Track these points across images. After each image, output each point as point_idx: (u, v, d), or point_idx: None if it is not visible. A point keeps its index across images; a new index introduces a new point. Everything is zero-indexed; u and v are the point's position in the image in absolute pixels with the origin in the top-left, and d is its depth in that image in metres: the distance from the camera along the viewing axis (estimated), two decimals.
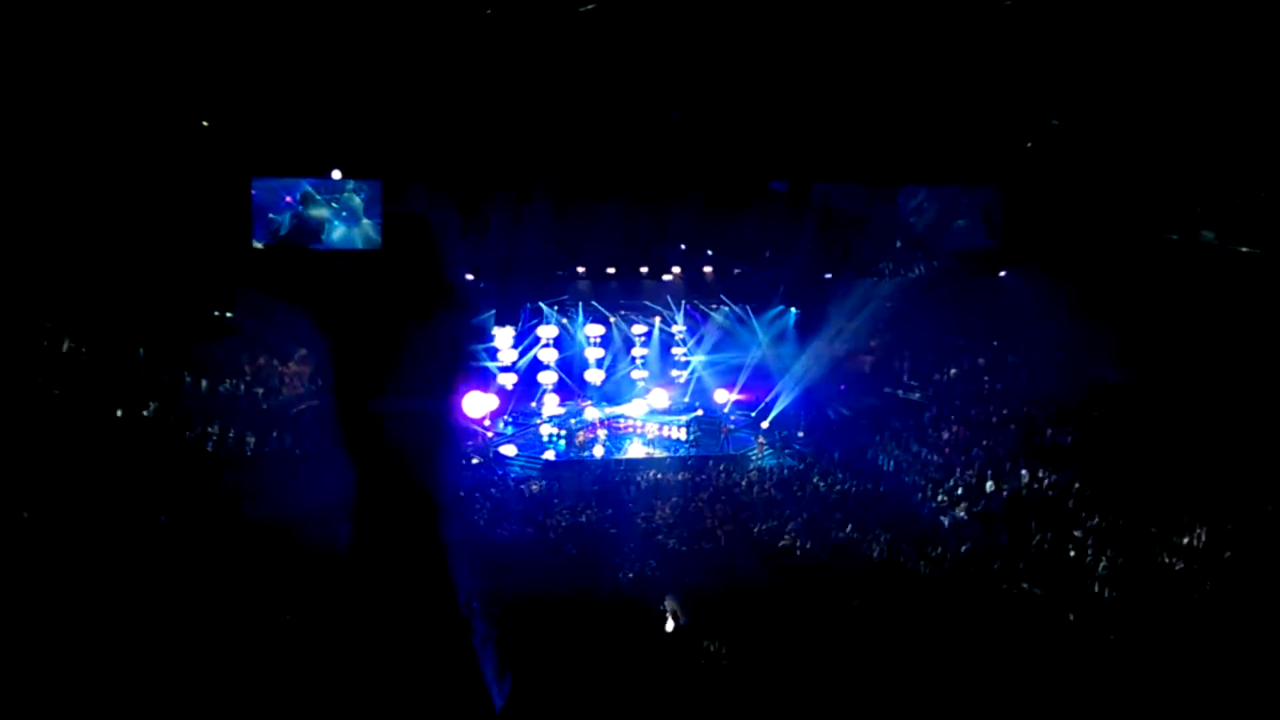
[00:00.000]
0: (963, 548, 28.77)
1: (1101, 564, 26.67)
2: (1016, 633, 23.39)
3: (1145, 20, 29.33)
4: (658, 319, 43.65)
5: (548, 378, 42.54)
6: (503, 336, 41.33)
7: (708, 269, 42.17)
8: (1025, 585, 26.62)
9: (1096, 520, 28.46)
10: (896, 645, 23.04)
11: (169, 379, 30.81)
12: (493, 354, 41.39)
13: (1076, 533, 28.35)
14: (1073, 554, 27.88)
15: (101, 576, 17.03)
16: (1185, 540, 26.42)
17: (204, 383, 31.85)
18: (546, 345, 42.54)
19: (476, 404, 38.49)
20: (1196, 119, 33.67)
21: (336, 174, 36.09)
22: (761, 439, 39.82)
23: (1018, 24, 31.21)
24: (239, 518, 23.79)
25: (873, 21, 31.15)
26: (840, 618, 24.72)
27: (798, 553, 28.40)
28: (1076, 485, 30.59)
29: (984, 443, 34.70)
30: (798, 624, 24.08)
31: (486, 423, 39.61)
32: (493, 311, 40.13)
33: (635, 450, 39.49)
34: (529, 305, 41.72)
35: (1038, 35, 31.77)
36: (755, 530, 30.11)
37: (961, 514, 31.84)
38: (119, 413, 26.60)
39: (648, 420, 41.68)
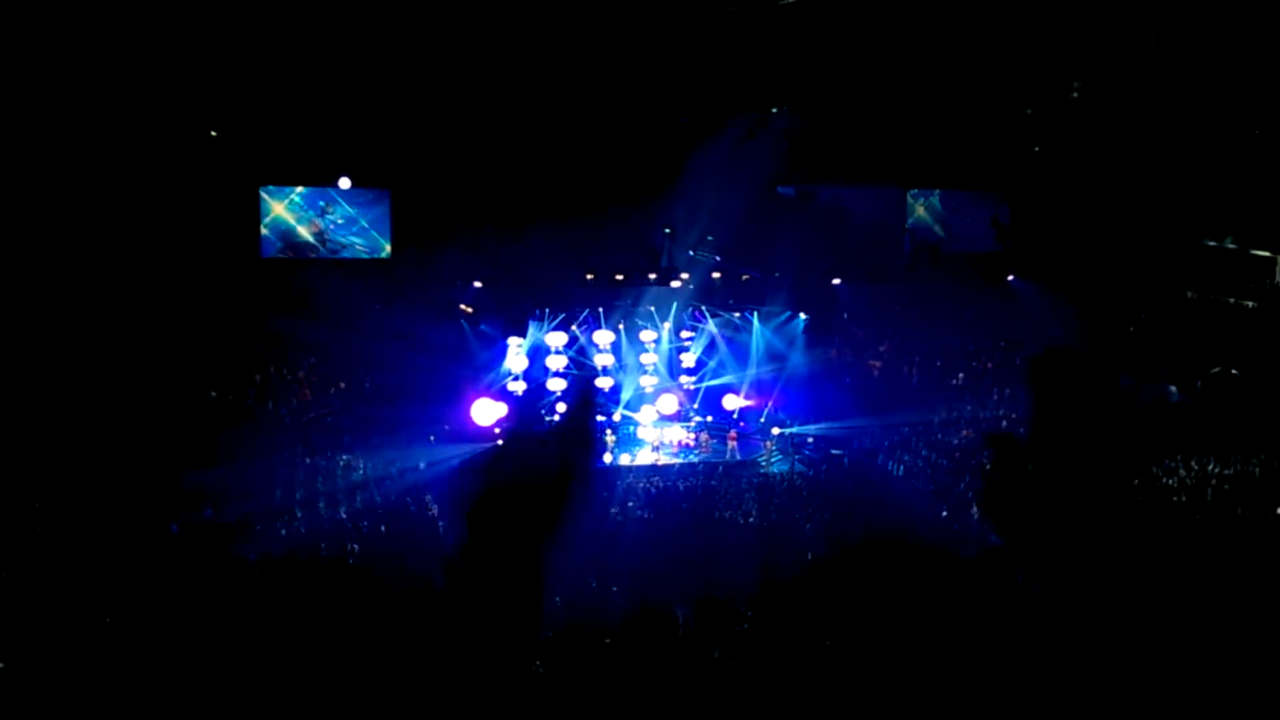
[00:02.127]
0: (973, 551, 28.67)
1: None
2: (1028, 636, 23.30)
3: (1152, 22, 29.36)
4: (666, 325, 43.64)
5: (557, 385, 42.50)
6: (512, 344, 41.40)
7: (716, 275, 42.18)
8: (1035, 588, 26.51)
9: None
10: (906, 651, 22.97)
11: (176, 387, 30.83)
12: (503, 360, 41.46)
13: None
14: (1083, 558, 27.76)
15: (106, 586, 17.04)
16: (1196, 547, 26.28)
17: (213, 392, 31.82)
18: (556, 352, 42.54)
19: (485, 411, 38.48)
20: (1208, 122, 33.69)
21: (345, 182, 36.17)
22: (770, 444, 39.76)
23: (1026, 25, 31.24)
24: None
25: (882, 24, 31.20)
26: (849, 624, 24.64)
27: (808, 558, 28.34)
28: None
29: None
30: (806, 631, 24.02)
31: (496, 430, 39.59)
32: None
33: (643, 456, 39.45)
34: (537, 313, 41.76)
35: (1046, 36, 31.79)
36: (764, 537, 30.05)
37: (973, 517, 31.78)
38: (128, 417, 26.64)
39: (656, 426, 41.65)
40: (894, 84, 35.25)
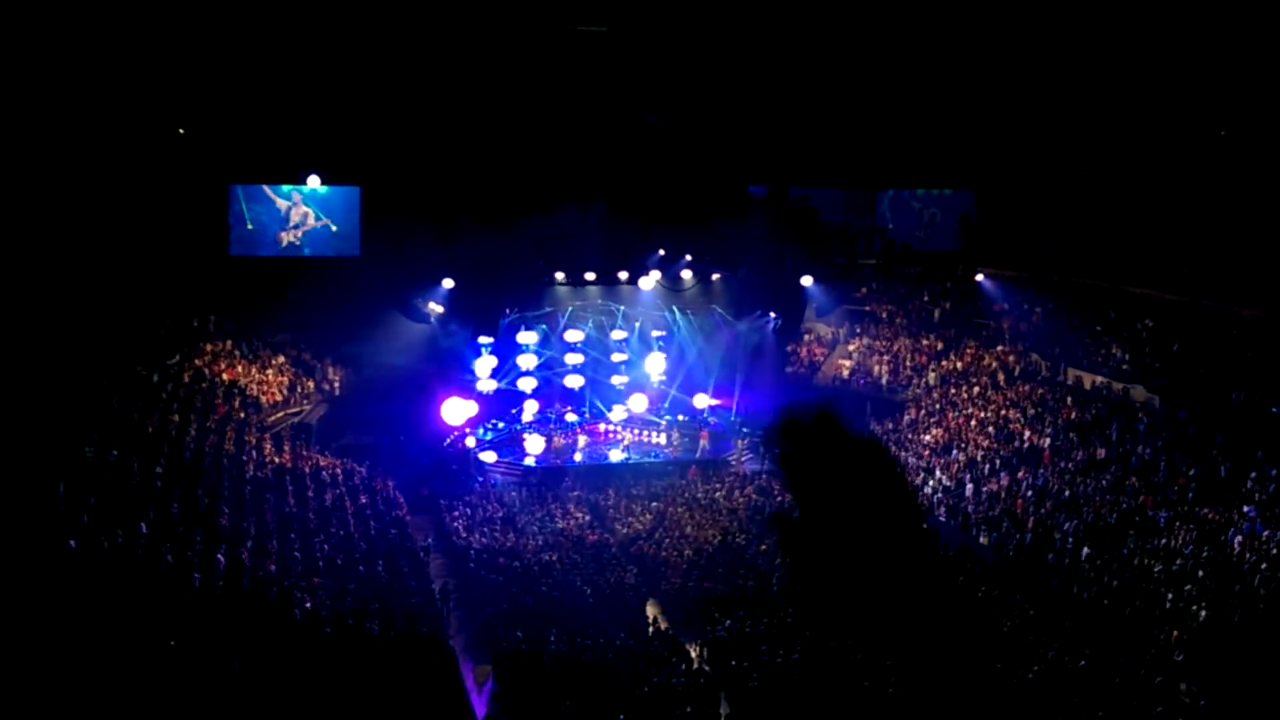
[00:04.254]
0: (944, 551, 28.81)
1: (1081, 564, 26.77)
2: (997, 637, 23.43)
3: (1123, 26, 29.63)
4: (638, 324, 43.53)
5: (528, 384, 42.40)
6: (483, 343, 41.32)
7: (687, 274, 42.17)
8: (1007, 588, 26.68)
9: (1076, 521, 28.54)
10: (876, 650, 23.03)
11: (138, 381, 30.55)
12: (474, 359, 41.34)
13: (1057, 535, 28.43)
14: (1050, 557, 27.98)
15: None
16: (1165, 541, 26.51)
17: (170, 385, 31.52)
18: (527, 351, 42.41)
19: (456, 410, 38.33)
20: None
21: (315, 180, 35.93)
22: (741, 442, 39.77)
23: (995, 29, 31.44)
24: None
25: (852, 28, 31.31)
26: (821, 622, 24.70)
27: (778, 559, 28.38)
28: (1056, 486, 30.68)
29: (963, 445, 34.79)
30: (778, 629, 24.09)
31: (467, 430, 39.44)
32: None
33: (615, 456, 39.40)
34: (509, 311, 41.57)
35: (1016, 39, 31.99)
36: (736, 536, 30.07)
37: (941, 516, 31.92)
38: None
39: (627, 425, 41.58)
40: (864, 85, 35.38)
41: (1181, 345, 35.25)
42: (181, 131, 35.20)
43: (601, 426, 41.59)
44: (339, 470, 31.80)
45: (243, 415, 32.31)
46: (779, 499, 33.24)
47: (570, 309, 42.70)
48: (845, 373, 43.60)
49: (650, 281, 41.09)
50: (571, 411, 41.82)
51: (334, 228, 36.80)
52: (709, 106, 36.66)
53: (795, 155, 40.34)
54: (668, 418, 41.89)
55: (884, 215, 43.35)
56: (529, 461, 38.21)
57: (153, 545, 20.74)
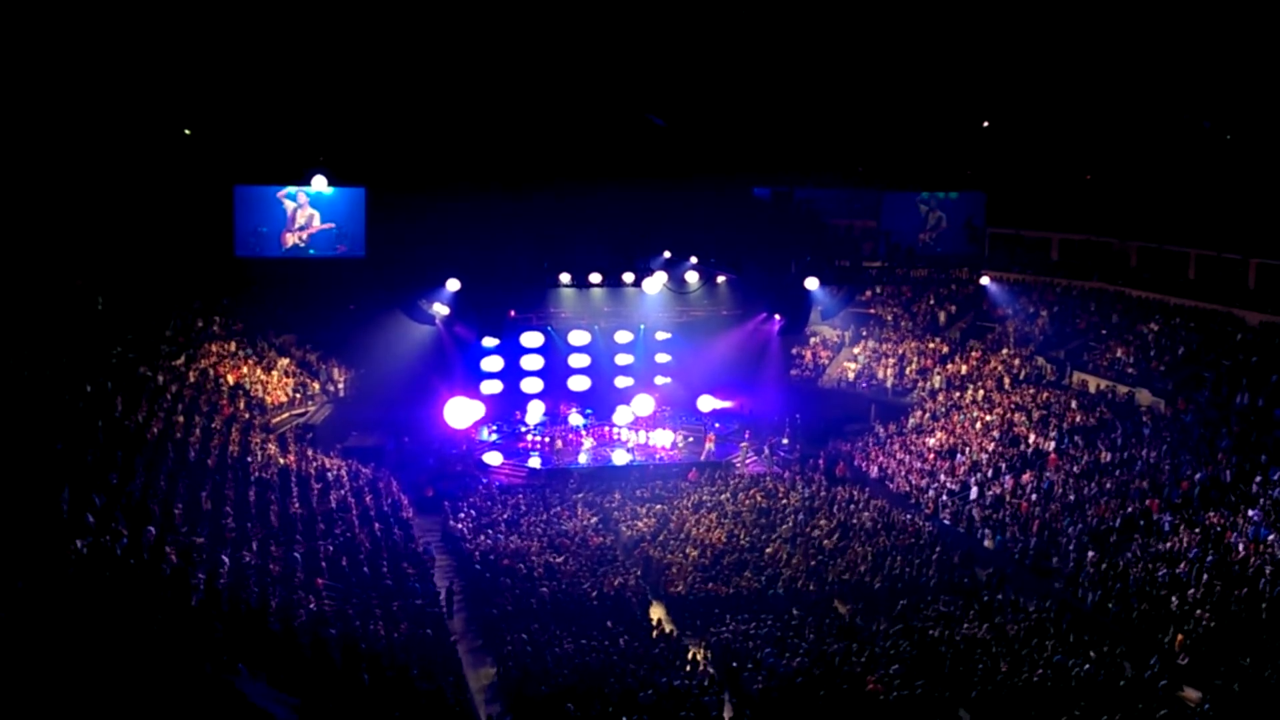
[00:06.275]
0: (949, 554, 28.81)
1: (1086, 568, 26.74)
2: (1004, 640, 23.42)
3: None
4: (642, 325, 43.54)
5: (532, 385, 42.41)
6: (488, 344, 41.35)
7: (692, 276, 42.12)
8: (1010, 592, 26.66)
9: (1081, 524, 28.51)
10: (880, 649, 23.04)
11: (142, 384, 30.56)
12: (479, 361, 41.39)
13: (1061, 539, 28.41)
14: (1055, 560, 27.96)
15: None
16: (1169, 544, 26.48)
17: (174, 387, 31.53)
18: (531, 353, 42.42)
19: (462, 412, 38.32)
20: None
21: (320, 182, 35.95)
22: (746, 445, 39.69)
23: (1000, 32, 31.40)
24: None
25: (858, 27, 31.29)
26: (825, 623, 24.71)
27: (783, 559, 28.38)
28: (1060, 490, 30.65)
29: (967, 448, 34.75)
30: (782, 631, 24.07)
31: (474, 435, 39.46)
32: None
33: (619, 457, 39.33)
34: (514, 313, 41.56)
35: (1022, 42, 31.95)
36: (741, 538, 30.05)
37: (946, 519, 31.87)
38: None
39: (632, 427, 41.52)
40: (870, 86, 35.36)
41: (1186, 349, 35.29)
42: (187, 133, 35.25)
43: (606, 429, 41.54)
44: (344, 471, 31.79)
45: (247, 416, 32.33)
46: (783, 501, 33.23)
47: (575, 310, 42.74)
48: (850, 375, 43.56)
49: (655, 284, 41.05)
50: (577, 413, 41.80)
51: (339, 229, 36.82)
52: (714, 108, 36.64)
53: (800, 157, 40.34)
54: (672, 422, 41.87)
55: (888, 218, 43.31)
56: (533, 463, 38.16)
57: (157, 547, 20.75)
